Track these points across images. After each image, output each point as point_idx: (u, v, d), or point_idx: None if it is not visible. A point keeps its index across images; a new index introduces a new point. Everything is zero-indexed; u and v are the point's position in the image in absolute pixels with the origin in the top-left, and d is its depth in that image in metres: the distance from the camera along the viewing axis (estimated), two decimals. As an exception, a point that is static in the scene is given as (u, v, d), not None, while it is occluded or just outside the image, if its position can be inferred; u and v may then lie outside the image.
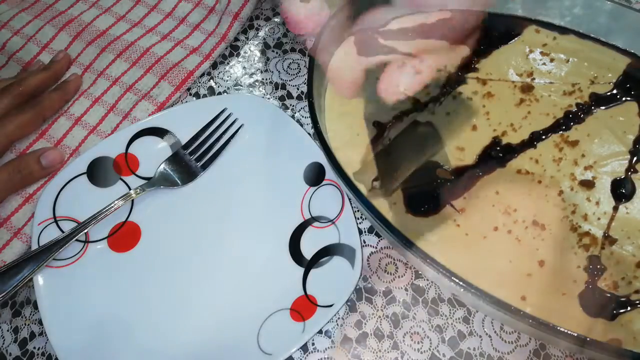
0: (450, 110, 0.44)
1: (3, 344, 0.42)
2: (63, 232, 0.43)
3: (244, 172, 0.48)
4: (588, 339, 0.31)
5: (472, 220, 0.39)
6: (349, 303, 0.42)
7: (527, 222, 0.39)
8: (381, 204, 0.40)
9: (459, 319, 0.41)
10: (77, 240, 0.43)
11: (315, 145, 0.46)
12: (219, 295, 0.42)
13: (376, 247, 0.45)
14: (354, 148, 0.42)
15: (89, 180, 0.46)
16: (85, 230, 0.43)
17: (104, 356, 0.40)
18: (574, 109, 0.44)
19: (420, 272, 0.43)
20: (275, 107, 0.49)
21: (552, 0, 0.47)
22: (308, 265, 0.42)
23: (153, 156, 0.47)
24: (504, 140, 0.43)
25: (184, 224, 0.45)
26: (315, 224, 0.44)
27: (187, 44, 0.55)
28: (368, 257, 0.44)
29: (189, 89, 0.54)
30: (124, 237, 0.45)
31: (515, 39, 0.48)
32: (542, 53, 0.47)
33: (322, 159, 0.46)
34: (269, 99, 0.53)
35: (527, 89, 0.45)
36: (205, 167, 0.47)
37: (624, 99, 0.44)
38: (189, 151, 0.48)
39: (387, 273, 0.43)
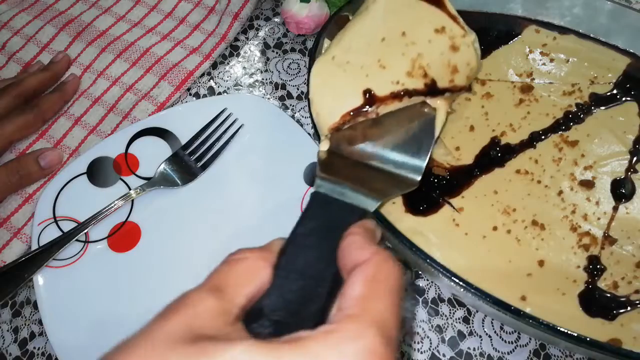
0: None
1: (3, 344, 0.42)
2: (63, 232, 0.43)
3: (244, 172, 0.47)
4: (588, 339, 0.31)
5: (471, 220, 0.39)
6: (348, 303, 0.42)
7: (527, 221, 0.39)
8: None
9: (459, 319, 0.41)
10: (77, 240, 0.43)
11: (315, 145, 0.46)
12: (219, 295, 0.42)
13: (376, 247, 0.44)
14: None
15: (89, 180, 0.46)
16: (85, 230, 0.43)
17: (103, 356, 0.40)
18: (574, 109, 0.44)
19: (420, 272, 0.43)
20: (275, 107, 0.49)
21: (552, 0, 0.47)
22: (308, 265, 0.42)
23: (153, 156, 0.47)
24: (503, 141, 0.43)
25: (184, 224, 0.45)
26: (315, 224, 0.44)
27: (187, 44, 0.55)
28: (368, 257, 0.44)
29: (189, 89, 0.54)
30: (124, 237, 0.45)
31: (515, 39, 0.48)
32: (542, 53, 0.47)
33: (322, 159, 0.46)
34: (269, 99, 0.53)
35: (526, 89, 0.45)
36: (205, 167, 0.47)
37: (623, 99, 0.44)
38: (188, 151, 0.48)
39: (387, 273, 0.43)
